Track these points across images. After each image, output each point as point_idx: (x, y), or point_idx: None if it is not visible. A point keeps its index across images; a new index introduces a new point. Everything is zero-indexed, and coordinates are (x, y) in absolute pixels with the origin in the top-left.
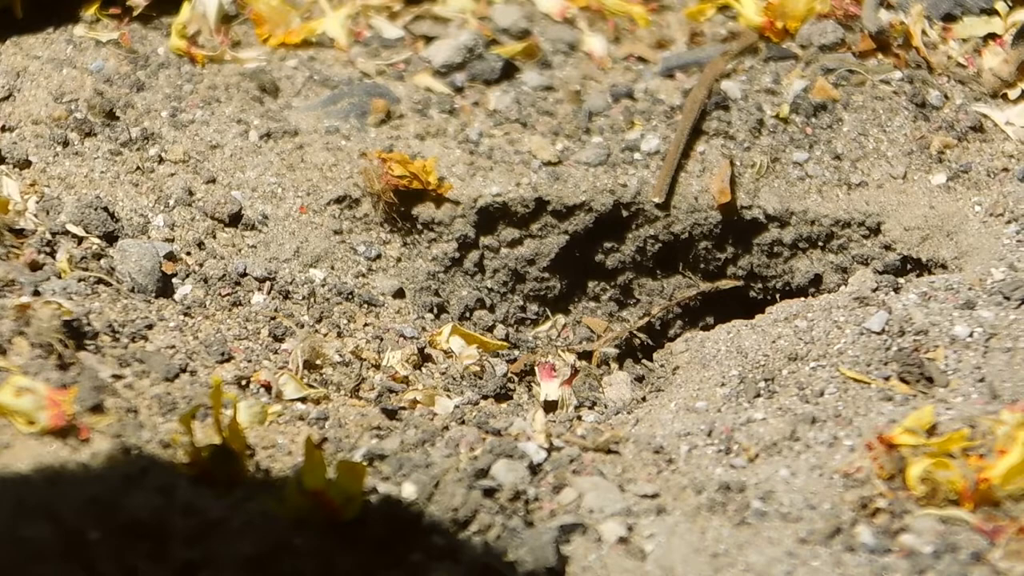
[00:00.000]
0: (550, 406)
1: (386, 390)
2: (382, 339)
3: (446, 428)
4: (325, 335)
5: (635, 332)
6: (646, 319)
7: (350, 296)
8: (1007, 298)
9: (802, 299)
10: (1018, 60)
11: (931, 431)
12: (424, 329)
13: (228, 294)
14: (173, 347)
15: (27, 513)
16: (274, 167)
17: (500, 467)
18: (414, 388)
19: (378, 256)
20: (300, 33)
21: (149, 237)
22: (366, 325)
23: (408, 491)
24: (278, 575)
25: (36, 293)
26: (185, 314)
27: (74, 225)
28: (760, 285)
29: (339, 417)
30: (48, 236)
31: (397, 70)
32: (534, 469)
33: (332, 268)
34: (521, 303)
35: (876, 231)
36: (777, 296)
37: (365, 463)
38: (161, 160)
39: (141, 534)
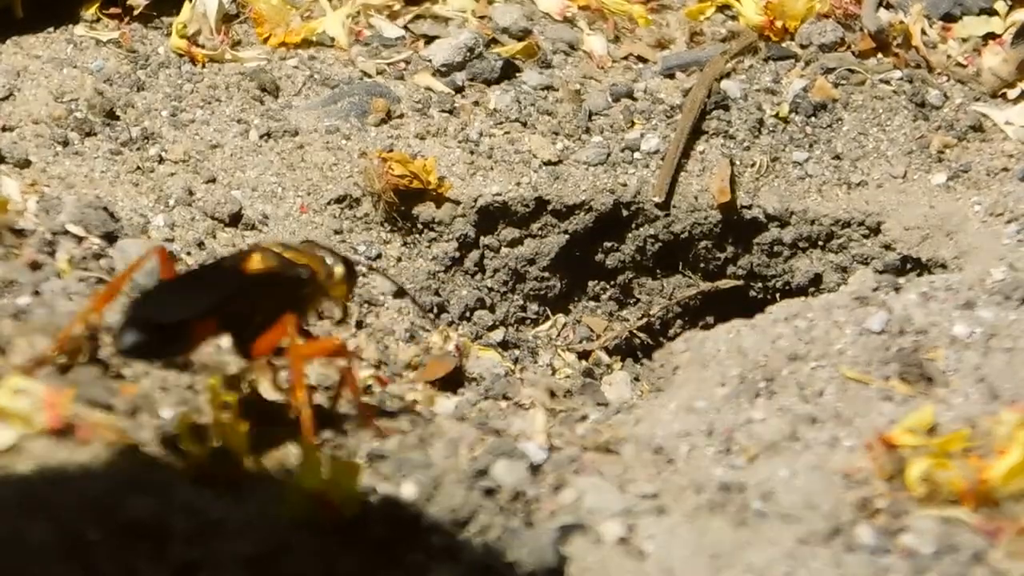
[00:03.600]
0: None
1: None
2: (382, 339)
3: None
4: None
5: (635, 332)
6: (646, 319)
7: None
8: (1007, 298)
9: (802, 299)
10: (1017, 60)
11: (931, 431)
12: (425, 329)
13: None
14: None
15: (27, 513)
16: (274, 167)
17: (500, 467)
18: (414, 388)
19: (378, 256)
20: (300, 32)
21: (149, 237)
22: (366, 325)
23: (408, 491)
24: (278, 575)
25: (36, 293)
26: None
27: (74, 225)
28: (760, 285)
29: (339, 417)
30: (48, 236)
31: (397, 69)
32: (534, 469)
33: None
34: (521, 303)
35: (876, 231)
36: (777, 296)
37: (364, 463)
38: (161, 160)
39: (141, 534)
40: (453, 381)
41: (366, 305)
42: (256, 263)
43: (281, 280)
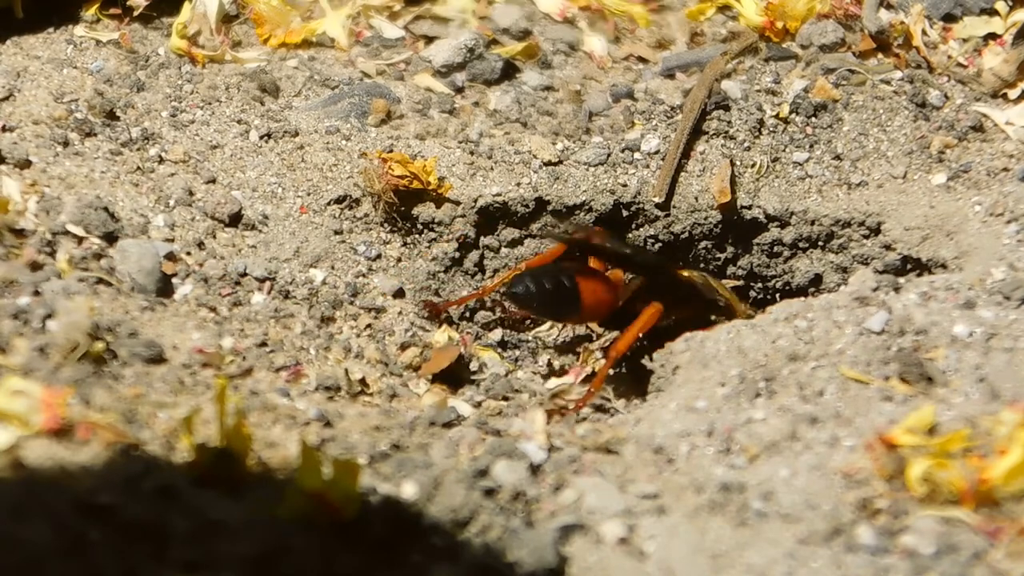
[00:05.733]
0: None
1: (387, 390)
2: (382, 339)
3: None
4: (329, 336)
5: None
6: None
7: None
8: (1007, 298)
9: (802, 299)
10: (1018, 60)
11: (931, 431)
12: (424, 329)
13: (228, 294)
14: (175, 347)
15: (27, 513)
16: (274, 167)
17: (500, 467)
18: (414, 388)
19: (378, 256)
20: (300, 33)
21: (149, 237)
22: (366, 325)
23: (408, 491)
24: (278, 575)
25: (36, 293)
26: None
27: (74, 225)
28: (760, 285)
29: (339, 417)
30: (48, 236)
31: (397, 70)
32: (534, 469)
33: (332, 268)
34: None
35: (876, 231)
36: (777, 296)
37: (364, 463)
38: (161, 160)
39: (141, 534)
40: (455, 380)
41: (367, 308)
42: (686, 272)
43: (697, 297)
